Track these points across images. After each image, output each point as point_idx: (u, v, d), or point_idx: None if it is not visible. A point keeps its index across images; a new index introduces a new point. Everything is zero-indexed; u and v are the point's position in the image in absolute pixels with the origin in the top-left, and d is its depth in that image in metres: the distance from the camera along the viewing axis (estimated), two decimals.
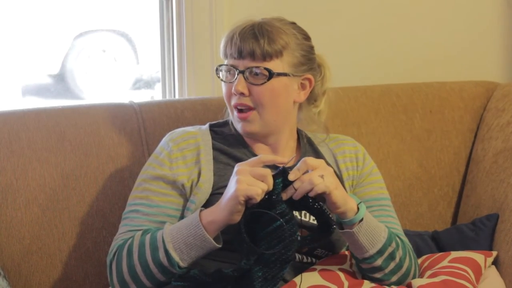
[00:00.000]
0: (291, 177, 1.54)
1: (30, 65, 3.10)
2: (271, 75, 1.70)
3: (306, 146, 1.87)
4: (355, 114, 2.22)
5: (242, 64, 1.71)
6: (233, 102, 1.75)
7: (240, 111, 1.74)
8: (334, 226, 1.56)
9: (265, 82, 1.71)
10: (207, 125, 1.85)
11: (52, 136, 1.96)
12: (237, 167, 1.55)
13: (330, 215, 1.56)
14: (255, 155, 1.78)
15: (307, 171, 1.56)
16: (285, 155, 1.81)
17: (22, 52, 3.03)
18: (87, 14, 3.10)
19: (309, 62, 1.78)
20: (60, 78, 3.22)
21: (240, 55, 1.71)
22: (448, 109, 2.29)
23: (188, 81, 2.33)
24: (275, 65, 1.71)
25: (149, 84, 3.25)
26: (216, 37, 2.30)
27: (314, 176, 1.54)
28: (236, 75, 1.72)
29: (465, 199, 2.23)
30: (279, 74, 1.72)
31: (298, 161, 1.59)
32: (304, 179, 1.54)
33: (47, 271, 1.91)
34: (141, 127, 2.04)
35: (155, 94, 3.14)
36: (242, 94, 1.72)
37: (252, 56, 1.70)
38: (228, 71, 1.74)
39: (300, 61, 1.75)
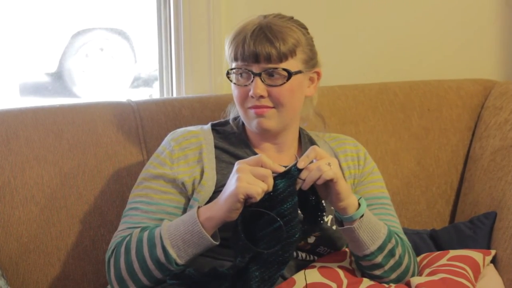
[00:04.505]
0: (300, 164, 1.54)
1: (28, 63, 3.10)
2: (290, 75, 1.70)
3: (308, 145, 1.87)
4: (353, 112, 2.22)
5: (258, 66, 1.69)
6: (248, 104, 1.73)
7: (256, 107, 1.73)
8: (323, 218, 1.58)
9: (285, 83, 1.70)
10: (209, 125, 1.85)
11: (49, 135, 1.96)
12: (237, 165, 1.55)
13: (324, 214, 1.59)
14: (256, 154, 1.78)
15: (312, 162, 1.56)
16: (289, 155, 1.82)
17: (20, 51, 3.02)
18: (84, 12, 3.10)
19: (315, 55, 1.78)
20: (58, 77, 3.21)
21: (256, 59, 1.69)
22: (446, 107, 2.29)
23: (185, 79, 2.33)
24: (291, 64, 1.70)
25: (147, 83, 3.25)
26: (214, 35, 2.29)
27: (322, 163, 1.54)
28: (252, 78, 1.70)
29: (463, 197, 2.23)
30: (296, 73, 1.71)
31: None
32: (311, 167, 1.54)
33: (45, 270, 1.90)
34: (139, 125, 2.04)
35: (153, 93, 3.14)
36: (261, 96, 1.70)
37: (269, 59, 1.68)
38: (240, 74, 1.73)
39: (309, 56, 1.75)
